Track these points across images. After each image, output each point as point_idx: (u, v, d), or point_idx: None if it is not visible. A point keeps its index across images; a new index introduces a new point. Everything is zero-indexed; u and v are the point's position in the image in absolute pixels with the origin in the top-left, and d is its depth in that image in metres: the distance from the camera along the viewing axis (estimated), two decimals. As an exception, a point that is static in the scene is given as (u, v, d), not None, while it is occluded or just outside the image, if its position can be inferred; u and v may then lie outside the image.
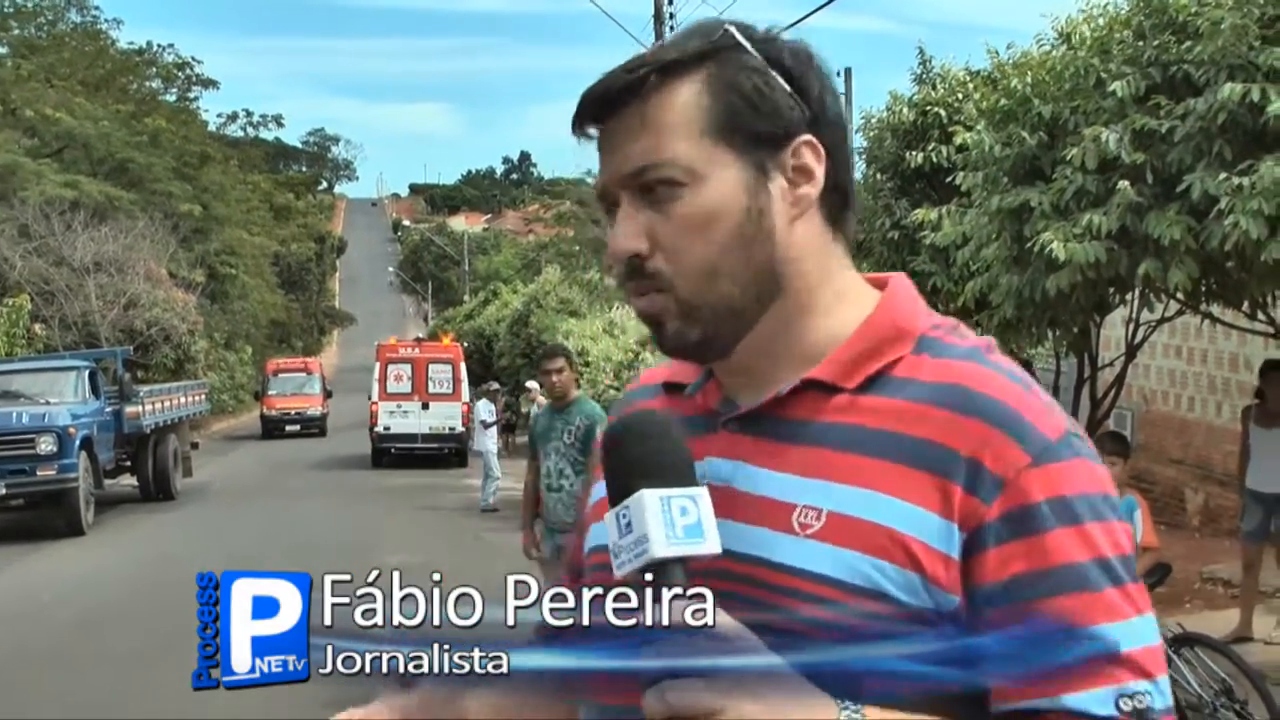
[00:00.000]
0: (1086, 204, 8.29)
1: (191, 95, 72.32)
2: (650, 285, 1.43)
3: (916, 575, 1.31)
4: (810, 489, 1.37)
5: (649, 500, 1.27)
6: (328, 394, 47.97)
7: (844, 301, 1.46)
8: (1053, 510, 1.32)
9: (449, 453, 31.09)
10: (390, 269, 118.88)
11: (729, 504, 1.38)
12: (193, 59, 71.91)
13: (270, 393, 46.53)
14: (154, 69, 69.70)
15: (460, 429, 30.58)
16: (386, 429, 31.11)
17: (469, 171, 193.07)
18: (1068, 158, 8.43)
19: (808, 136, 1.41)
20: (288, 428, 45.41)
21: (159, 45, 71.19)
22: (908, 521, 1.32)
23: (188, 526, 21.34)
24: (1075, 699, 1.28)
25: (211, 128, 78.09)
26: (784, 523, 1.37)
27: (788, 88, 1.41)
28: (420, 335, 59.19)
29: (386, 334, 70.95)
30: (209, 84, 73.10)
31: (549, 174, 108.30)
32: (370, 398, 31.95)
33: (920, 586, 1.31)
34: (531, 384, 21.08)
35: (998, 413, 1.35)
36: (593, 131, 1.48)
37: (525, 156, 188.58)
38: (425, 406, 31.02)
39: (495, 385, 25.24)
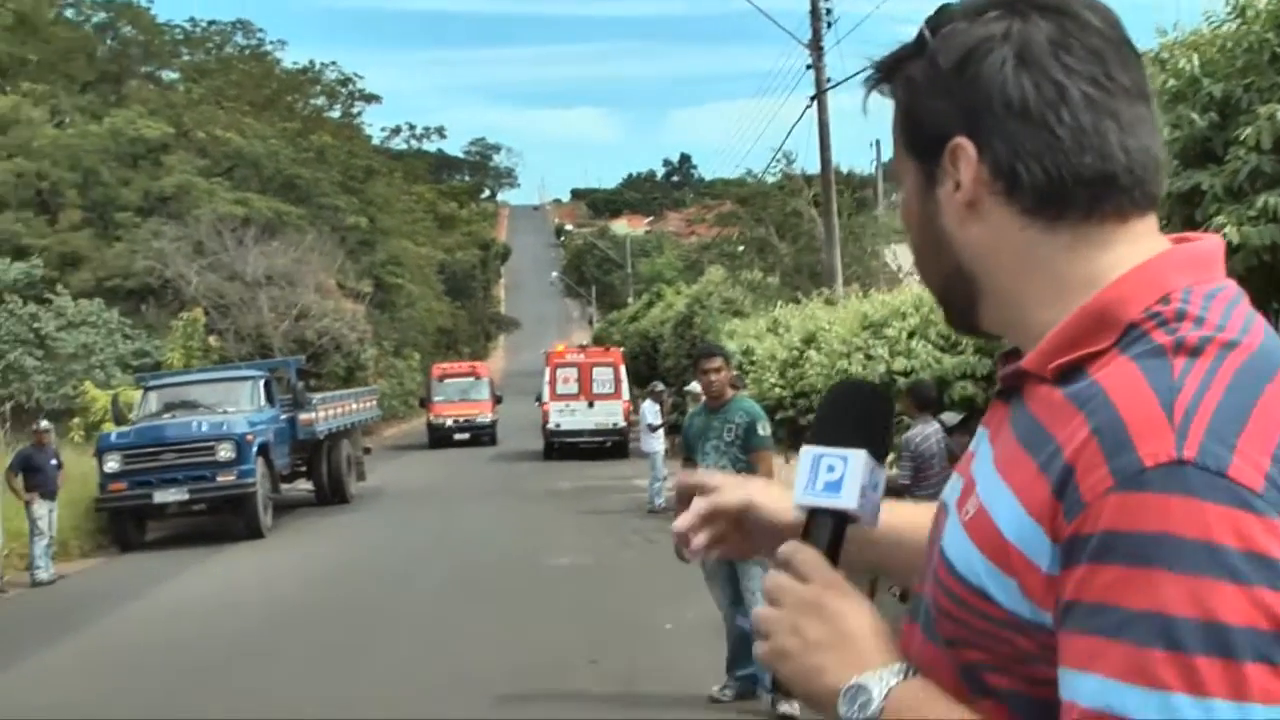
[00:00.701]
0: (1262, 185, 8.02)
1: (355, 110, 74.24)
2: None
3: (1014, 581, 1.24)
4: (987, 477, 1.33)
5: (803, 456, 1.47)
6: (497, 399, 44.39)
7: (1069, 290, 1.34)
8: (1119, 543, 1.15)
9: (611, 445, 34.67)
10: (554, 274, 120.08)
11: (965, 467, 1.42)
12: (355, 75, 73.89)
13: (436, 399, 43.33)
14: (318, 87, 71.55)
15: (622, 424, 34.93)
16: (557, 426, 34.80)
17: (629, 175, 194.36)
18: (1241, 138, 8.15)
19: (957, 140, 1.35)
20: (456, 436, 42.23)
21: (322, 63, 73.11)
22: (1016, 527, 1.24)
23: (363, 529, 21.79)
24: None
25: (375, 142, 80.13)
26: (962, 504, 1.35)
27: (949, 83, 1.36)
28: (585, 342, 60.52)
29: (551, 338, 72.32)
30: (371, 99, 74.90)
31: (710, 175, 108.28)
32: (541, 399, 35.61)
33: (1019, 595, 1.23)
34: (693, 386, 21.09)
35: (1105, 420, 1.20)
36: None
37: (685, 158, 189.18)
38: (590, 405, 34.74)
39: (660, 386, 25.19)
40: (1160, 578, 1.12)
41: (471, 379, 44.46)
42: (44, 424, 18.64)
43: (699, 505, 1.71)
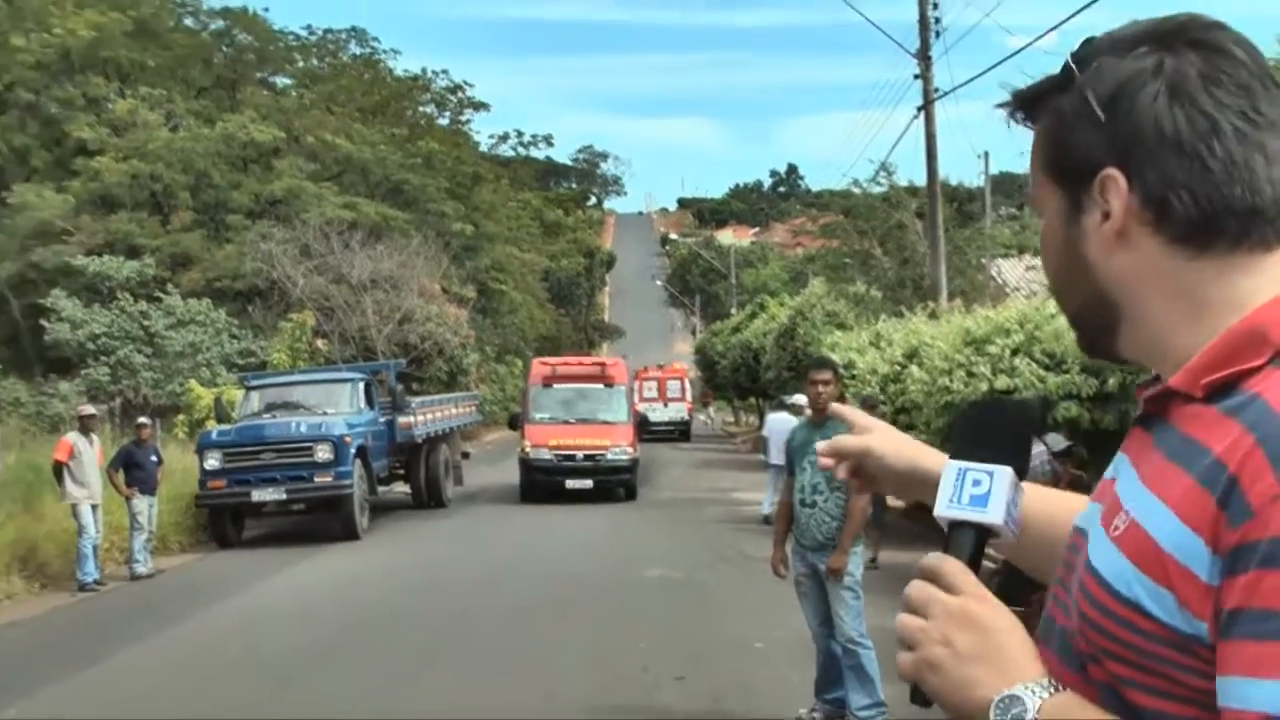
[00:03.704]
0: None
1: (464, 118, 74.40)
2: None
3: (1169, 593, 1.25)
4: (1135, 493, 1.35)
5: (947, 469, 1.51)
6: (639, 423, 32.12)
7: (1212, 314, 1.38)
8: None
9: (678, 433, 52.47)
10: (658, 282, 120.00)
11: (1104, 493, 1.45)
12: (465, 83, 73.94)
13: (536, 417, 27.44)
14: (428, 94, 71.80)
15: (686, 417, 53.92)
16: (645, 418, 47.20)
17: (736, 185, 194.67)
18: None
19: (1108, 171, 1.39)
20: (569, 485, 26.15)
21: (433, 71, 73.70)
22: (1172, 537, 1.26)
23: (457, 534, 21.79)
24: None
25: (483, 148, 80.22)
26: (1109, 521, 1.37)
27: (1102, 116, 1.40)
28: (688, 352, 65.54)
29: (655, 347, 73.75)
30: (480, 106, 75.08)
31: (817, 186, 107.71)
32: (632, 403, 41.28)
33: (1173, 606, 1.25)
34: (797, 398, 20.75)
35: (1270, 429, 1.23)
36: None
37: (793, 169, 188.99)
38: (665, 404, 53.33)
39: (790, 400, 24.67)
40: None
41: (601, 386, 28.68)
42: (145, 420, 18.86)
43: (839, 441, 1.92)
